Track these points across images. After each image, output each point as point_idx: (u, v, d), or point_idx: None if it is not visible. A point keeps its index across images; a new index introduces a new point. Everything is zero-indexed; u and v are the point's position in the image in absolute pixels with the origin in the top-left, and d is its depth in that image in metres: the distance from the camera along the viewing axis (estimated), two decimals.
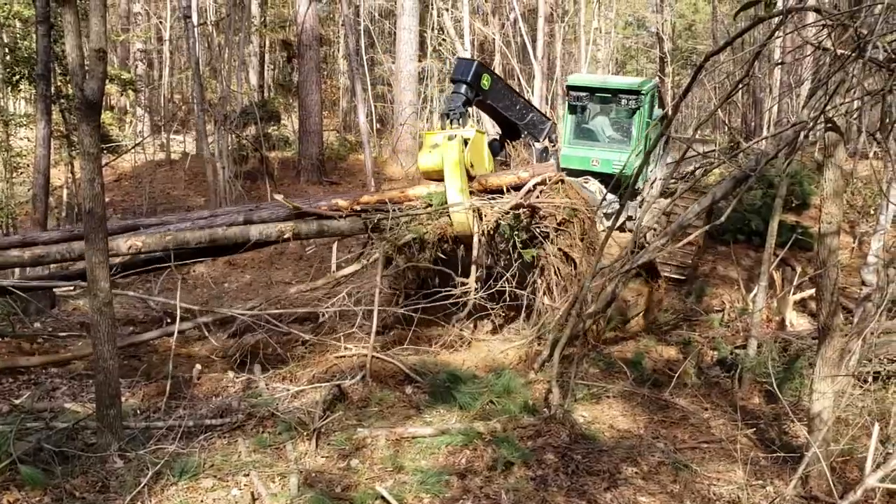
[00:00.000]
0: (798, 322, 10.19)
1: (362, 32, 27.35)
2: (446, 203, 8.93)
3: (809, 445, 5.44)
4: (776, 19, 5.38)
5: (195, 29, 17.78)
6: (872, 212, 13.39)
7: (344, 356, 8.60)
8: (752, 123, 25.58)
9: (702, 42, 41.45)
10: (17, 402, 7.20)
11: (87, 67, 5.77)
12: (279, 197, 9.59)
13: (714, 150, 21.13)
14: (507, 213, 8.97)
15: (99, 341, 6.04)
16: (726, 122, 25.52)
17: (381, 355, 8.43)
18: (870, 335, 7.00)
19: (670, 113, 8.32)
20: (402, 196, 9.46)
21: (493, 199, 9.17)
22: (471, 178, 9.13)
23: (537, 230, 9.19)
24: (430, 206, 9.16)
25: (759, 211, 13.18)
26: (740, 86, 5.86)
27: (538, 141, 11.16)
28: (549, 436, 6.85)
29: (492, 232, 9.17)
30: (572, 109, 13.09)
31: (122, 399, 6.65)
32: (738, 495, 5.89)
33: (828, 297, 5.71)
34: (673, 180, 12.91)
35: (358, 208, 9.34)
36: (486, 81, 9.90)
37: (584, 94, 12.98)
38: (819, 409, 5.73)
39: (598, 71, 29.59)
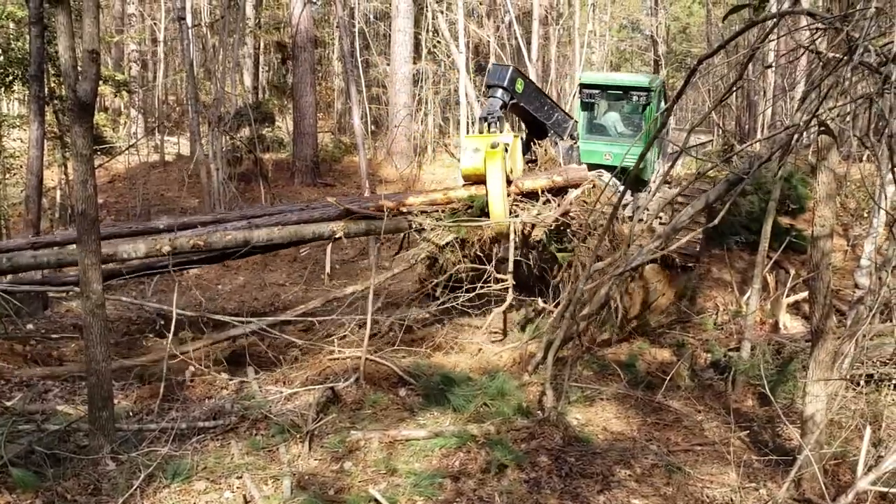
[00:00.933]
0: (792, 325, 10.22)
1: (357, 34, 27.36)
2: (486, 206, 9.26)
3: (802, 448, 5.45)
4: (770, 22, 5.39)
5: (189, 30, 17.78)
6: (866, 215, 13.42)
7: (337, 358, 8.59)
8: (747, 126, 25.64)
9: (696, 45, 41.53)
10: (8, 404, 7.17)
11: (79, 69, 5.75)
12: (331, 199, 9.96)
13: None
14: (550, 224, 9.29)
15: (91, 343, 6.02)
16: (720, 124, 25.57)
17: (374, 357, 8.41)
18: (862, 338, 7.01)
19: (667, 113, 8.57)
20: (444, 198, 9.78)
21: (525, 202, 9.58)
22: (509, 182, 9.35)
23: (569, 231, 9.47)
24: (471, 207, 9.51)
25: (759, 219, 13.23)
26: (734, 89, 5.87)
27: (562, 139, 11.38)
28: (542, 438, 6.85)
29: (526, 234, 9.47)
30: (585, 106, 13.44)
31: (115, 401, 6.63)
32: (731, 498, 5.90)
33: (821, 300, 5.72)
34: (667, 184, 13.04)
35: (403, 210, 9.74)
36: (519, 85, 10.13)
37: (597, 91, 13.32)
38: (812, 411, 5.74)
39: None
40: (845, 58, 3.97)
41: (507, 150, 9.17)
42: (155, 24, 28.25)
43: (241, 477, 5.88)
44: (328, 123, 30.35)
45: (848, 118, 5.43)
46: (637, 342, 9.91)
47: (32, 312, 10.30)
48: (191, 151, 21.67)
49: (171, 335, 8.10)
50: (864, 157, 15.10)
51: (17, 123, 18.34)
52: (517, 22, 25.53)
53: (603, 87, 13.36)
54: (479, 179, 9.32)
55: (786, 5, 7.21)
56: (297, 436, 6.61)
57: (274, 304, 11.85)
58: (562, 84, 30.50)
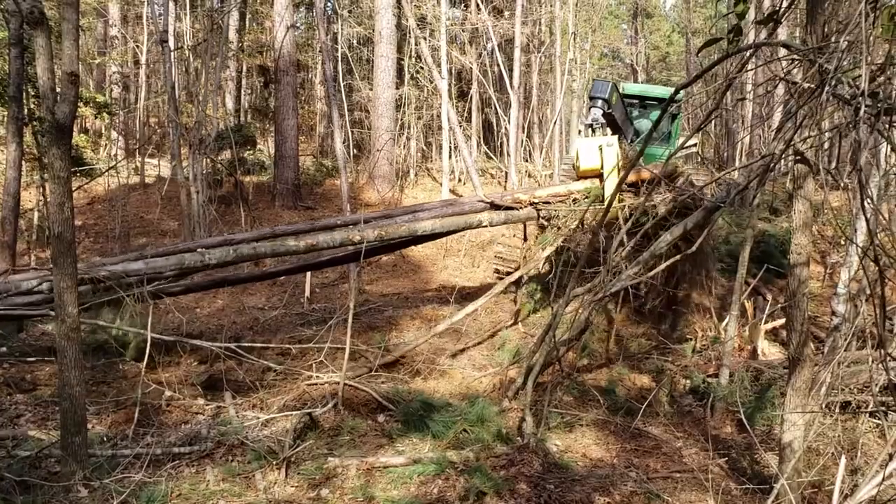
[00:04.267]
0: (770, 351, 10.27)
1: (340, 59, 27.48)
2: (602, 196, 10.69)
3: (779, 476, 5.45)
4: (746, 53, 5.47)
5: (172, 53, 17.77)
6: (842, 242, 13.57)
7: (315, 384, 8.54)
8: (725, 154, 25.96)
9: (676, 73, 42.15)
10: None
11: (58, 91, 5.73)
12: (481, 193, 11.80)
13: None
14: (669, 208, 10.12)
15: (65, 367, 5.94)
16: (699, 152, 25.86)
17: (353, 383, 8.37)
18: (839, 365, 7.05)
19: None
20: (566, 191, 11.39)
21: (629, 192, 10.93)
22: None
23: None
24: (587, 197, 10.97)
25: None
26: (712, 117, 5.94)
27: (627, 139, 12.55)
28: (522, 465, 6.81)
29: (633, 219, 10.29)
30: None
31: (89, 426, 6.54)
32: None
33: (798, 328, 5.75)
34: None
35: (536, 201, 11.30)
36: (614, 98, 11.54)
37: (636, 100, 14.75)
38: (789, 438, 5.75)
39: (573, 101, 30.00)
40: (819, 89, 4.03)
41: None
42: (137, 46, 28.19)
43: None
44: (310, 147, 30.38)
45: (825, 147, 5.50)
46: (616, 367, 9.92)
47: (7, 335, 10.15)
48: (171, 174, 21.57)
49: (146, 359, 8.01)
50: (841, 186, 15.31)
51: None
52: (499, 49, 25.76)
53: (641, 97, 14.85)
54: (594, 174, 10.87)
55: (762, 36, 7.32)
56: (274, 462, 6.53)
57: (253, 328, 11.77)
58: (543, 111, 30.75)
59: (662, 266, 7.50)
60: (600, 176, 10.83)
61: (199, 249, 9.56)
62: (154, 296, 9.23)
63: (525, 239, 12.95)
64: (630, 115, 13.57)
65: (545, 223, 11.42)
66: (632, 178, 10.87)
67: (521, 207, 11.34)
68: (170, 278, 9.41)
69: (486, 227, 11.58)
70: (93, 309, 8.73)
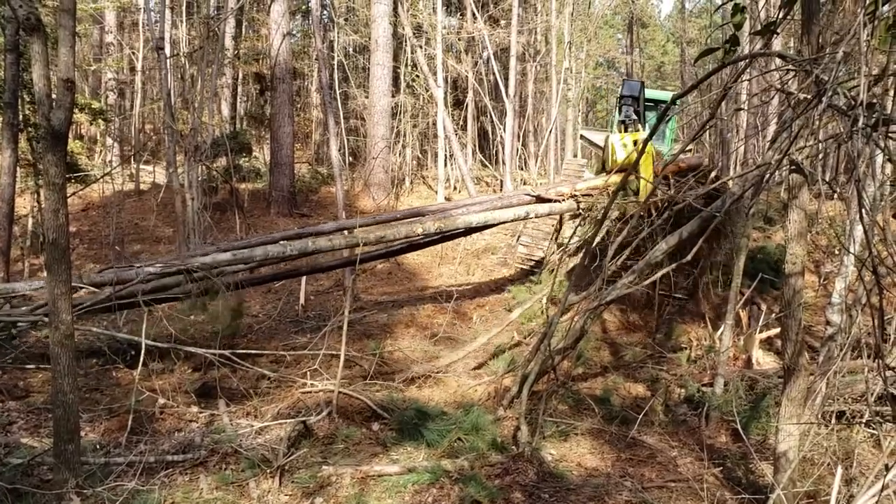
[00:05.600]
0: (764, 360, 10.26)
1: (336, 67, 27.52)
2: (638, 188, 11.00)
3: (775, 486, 5.44)
4: (741, 63, 5.48)
5: (168, 60, 17.76)
6: (837, 252, 13.58)
7: (310, 391, 8.51)
8: (720, 163, 26.00)
9: (671, 83, 42.31)
10: None
11: (54, 97, 5.71)
12: (528, 188, 12.52)
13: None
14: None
15: (59, 374, 5.90)
16: None
17: (347, 391, 8.34)
18: (834, 375, 7.05)
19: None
20: (604, 184, 11.92)
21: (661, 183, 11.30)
22: None
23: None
24: (624, 189, 11.00)
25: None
26: (707, 126, 5.95)
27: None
28: (516, 474, 6.79)
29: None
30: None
31: (82, 434, 6.51)
32: None
33: (793, 337, 5.75)
34: None
35: (576, 194, 11.97)
36: (642, 96, 12.22)
37: None
38: (784, 448, 5.75)
39: (568, 110, 30.06)
40: (815, 100, 4.04)
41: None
42: (133, 53, 28.21)
43: None
44: (306, 154, 30.39)
45: (819, 157, 5.52)
46: (611, 376, 9.91)
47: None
48: (167, 181, 21.53)
49: (139, 366, 7.97)
50: (835, 195, 15.35)
51: None
52: (495, 58, 25.85)
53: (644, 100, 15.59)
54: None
55: (757, 47, 7.35)
56: (268, 470, 6.51)
57: (247, 336, 11.73)
58: (539, 119, 30.82)
59: (659, 274, 7.49)
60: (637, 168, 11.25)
61: (280, 242, 10.10)
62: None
63: (559, 229, 13.53)
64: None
65: (582, 212, 11.97)
66: (671, 168, 11.14)
67: (562, 200, 11.97)
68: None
69: (531, 218, 12.46)
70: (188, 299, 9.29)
